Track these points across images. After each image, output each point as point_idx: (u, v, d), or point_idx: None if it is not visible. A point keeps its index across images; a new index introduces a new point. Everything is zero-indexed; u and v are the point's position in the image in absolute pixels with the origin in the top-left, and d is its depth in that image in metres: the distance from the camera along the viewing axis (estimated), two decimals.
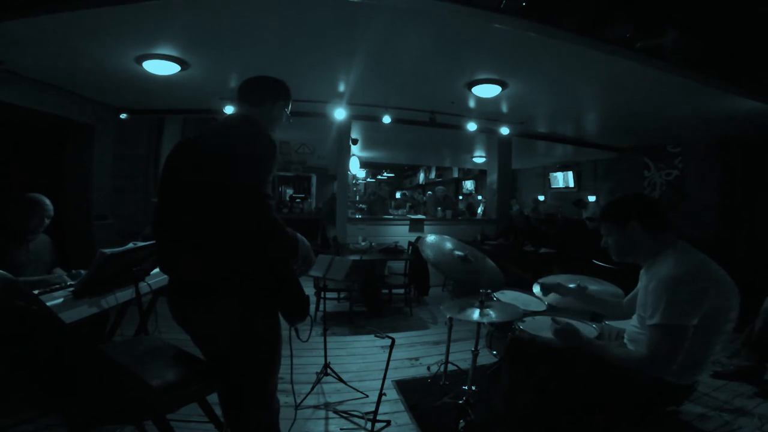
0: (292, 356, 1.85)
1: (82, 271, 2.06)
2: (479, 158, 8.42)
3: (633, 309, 1.71)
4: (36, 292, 1.79)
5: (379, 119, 4.57)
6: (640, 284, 1.54)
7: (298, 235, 1.22)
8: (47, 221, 2.28)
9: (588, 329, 1.70)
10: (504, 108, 4.43)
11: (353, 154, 7.58)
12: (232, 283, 1.16)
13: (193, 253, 1.16)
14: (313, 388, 2.36)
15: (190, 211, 1.16)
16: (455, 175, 12.07)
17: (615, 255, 1.55)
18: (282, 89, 1.44)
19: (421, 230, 5.40)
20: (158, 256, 1.29)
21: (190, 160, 1.23)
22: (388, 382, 2.36)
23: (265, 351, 1.27)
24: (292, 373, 2.04)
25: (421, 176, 13.36)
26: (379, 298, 4.43)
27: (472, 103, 4.19)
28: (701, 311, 1.23)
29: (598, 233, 1.62)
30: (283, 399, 2.18)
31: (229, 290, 1.17)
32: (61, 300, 1.69)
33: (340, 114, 4.39)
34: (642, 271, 1.53)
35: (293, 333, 1.47)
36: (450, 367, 2.54)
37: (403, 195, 11.88)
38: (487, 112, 4.60)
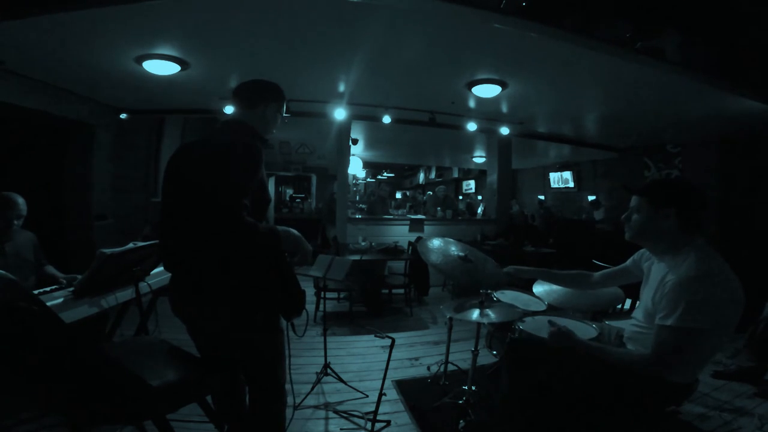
0: (300, 354, 1.85)
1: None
2: (479, 158, 8.41)
3: (605, 284, 1.82)
4: (36, 292, 1.80)
5: (379, 119, 4.57)
6: (650, 276, 1.47)
7: (281, 228, 1.23)
8: (17, 222, 2.14)
9: (588, 329, 1.70)
10: (504, 108, 4.42)
11: (354, 155, 7.58)
12: (225, 279, 1.20)
13: (190, 252, 1.22)
14: (313, 388, 2.36)
15: (185, 213, 1.22)
16: (455, 175, 12.06)
17: (633, 233, 1.44)
18: (274, 91, 1.45)
19: (421, 230, 5.40)
20: (161, 254, 1.35)
21: (185, 164, 1.29)
22: (388, 382, 2.36)
23: (266, 342, 1.33)
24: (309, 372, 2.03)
25: (421, 176, 13.36)
26: (379, 298, 4.43)
27: (472, 103, 4.19)
28: (716, 316, 1.20)
29: (599, 234, 1.60)
30: None
31: (223, 286, 1.20)
32: (61, 300, 1.69)
33: (340, 114, 4.39)
34: (654, 265, 1.47)
35: (291, 331, 1.46)
36: (450, 367, 2.54)
37: (404, 195, 11.88)
38: (487, 112, 4.60)
